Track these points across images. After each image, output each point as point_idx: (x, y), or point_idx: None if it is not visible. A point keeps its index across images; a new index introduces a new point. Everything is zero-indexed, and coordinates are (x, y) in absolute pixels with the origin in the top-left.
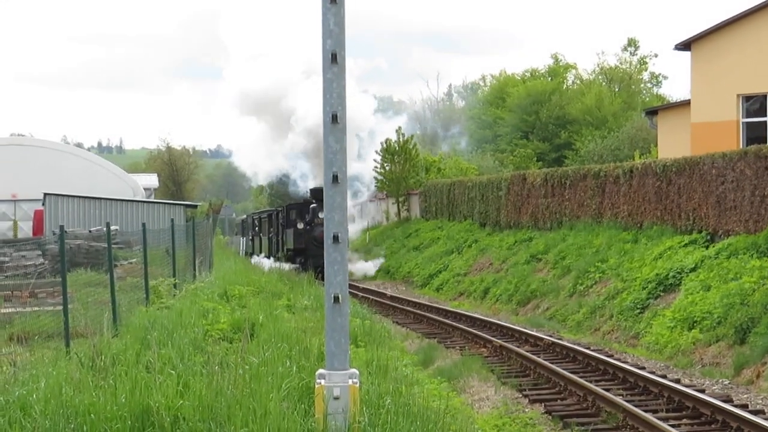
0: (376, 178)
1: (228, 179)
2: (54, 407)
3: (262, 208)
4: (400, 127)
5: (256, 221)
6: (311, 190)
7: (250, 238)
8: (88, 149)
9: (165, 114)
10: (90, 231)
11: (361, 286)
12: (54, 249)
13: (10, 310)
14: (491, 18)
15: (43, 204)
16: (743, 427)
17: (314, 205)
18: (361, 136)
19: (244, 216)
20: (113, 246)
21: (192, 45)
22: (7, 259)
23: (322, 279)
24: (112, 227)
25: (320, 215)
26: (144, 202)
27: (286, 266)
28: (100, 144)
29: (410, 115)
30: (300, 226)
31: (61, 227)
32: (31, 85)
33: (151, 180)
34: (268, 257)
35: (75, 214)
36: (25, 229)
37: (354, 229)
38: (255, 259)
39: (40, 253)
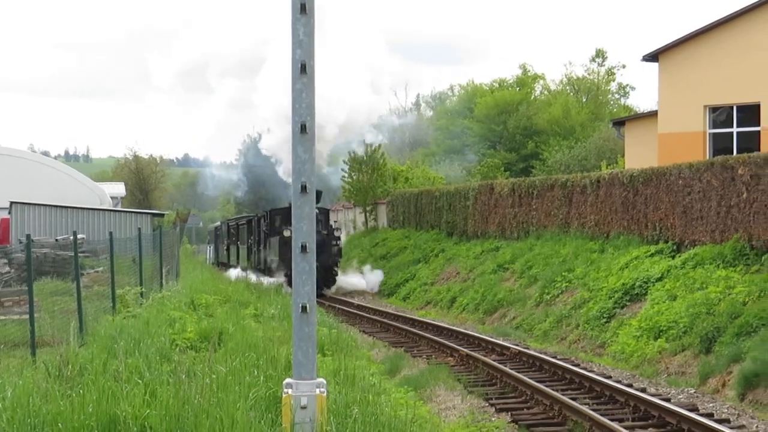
0: (343, 187)
1: (195, 188)
2: (21, 417)
3: (230, 217)
4: (364, 141)
5: (232, 229)
6: None
7: (225, 247)
8: (55, 158)
9: (132, 123)
10: (56, 240)
11: (327, 294)
12: (20, 257)
13: None
14: (460, 28)
15: (9, 212)
16: None
17: None
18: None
19: (218, 223)
20: (80, 255)
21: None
22: None
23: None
24: (79, 236)
25: None
26: (111, 210)
27: (270, 281)
28: (67, 152)
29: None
30: (287, 233)
31: (28, 236)
32: None
33: (118, 189)
34: (246, 270)
35: (41, 223)
36: None
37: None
38: (233, 272)
39: (6, 261)
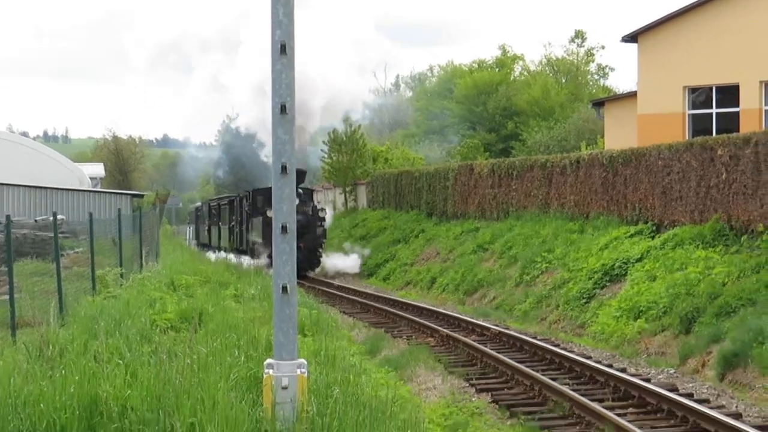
0: (323, 167)
1: (174, 169)
2: (2, 397)
3: (212, 197)
4: (348, 117)
5: (214, 209)
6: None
7: (207, 228)
8: (34, 138)
9: (111, 103)
10: (36, 220)
11: (310, 275)
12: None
13: None
14: (439, 8)
15: None
16: (688, 416)
17: None
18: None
19: (199, 203)
20: (59, 236)
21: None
22: None
23: (298, 278)
24: (59, 217)
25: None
26: (90, 191)
27: (252, 262)
28: (45, 133)
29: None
30: (270, 214)
31: (7, 216)
32: None
33: (98, 169)
34: (228, 251)
35: (20, 204)
36: None
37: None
38: (214, 255)
39: None
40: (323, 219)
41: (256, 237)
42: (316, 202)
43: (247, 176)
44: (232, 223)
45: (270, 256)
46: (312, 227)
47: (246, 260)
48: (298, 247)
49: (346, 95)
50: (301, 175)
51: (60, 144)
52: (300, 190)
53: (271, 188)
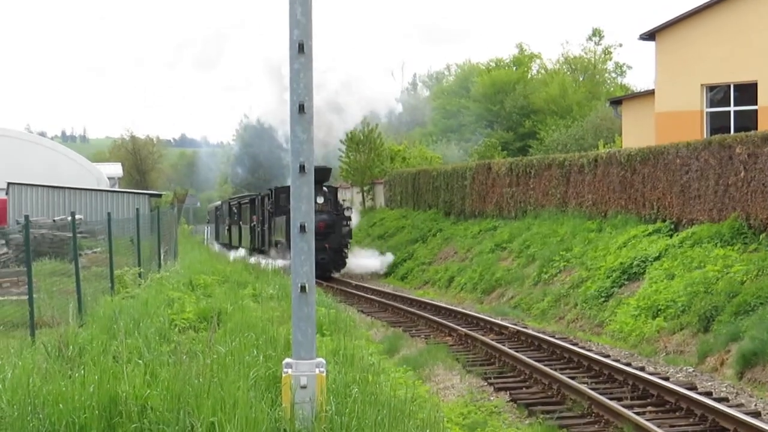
0: (341, 167)
1: (192, 168)
2: (21, 397)
3: (232, 196)
4: (365, 117)
5: (234, 208)
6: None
7: (227, 227)
8: (52, 138)
9: (129, 103)
10: (54, 220)
11: (335, 276)
12: (18, 238)
13: None
14: (456, 7)
15: (6, 193)
16: (707, 415)
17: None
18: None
19: (218, 202)
20: (78, 235)
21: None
22: None
23: (322, 277)
24: (77, 216)
25: (318, 200)
26: (108, 191)
27: (277, 263)
28: (63, 133)
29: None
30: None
31: (26, 216)
32: None
33: (116, 169)
34: (251, 252)
35: (39, 204)
36: None
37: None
38: (234, 253)
39: (3, 242)
40: (349, 218)
41: (279, 236)
42: (341, 201)
43: (265, 175)
44: (254, 223)
45: None
46: (337, 227)
47: (269, 261)
48: (323, 248)
49: (380, 95)
50: (326, 172)
51: (78, 144)
52: (325, 189)
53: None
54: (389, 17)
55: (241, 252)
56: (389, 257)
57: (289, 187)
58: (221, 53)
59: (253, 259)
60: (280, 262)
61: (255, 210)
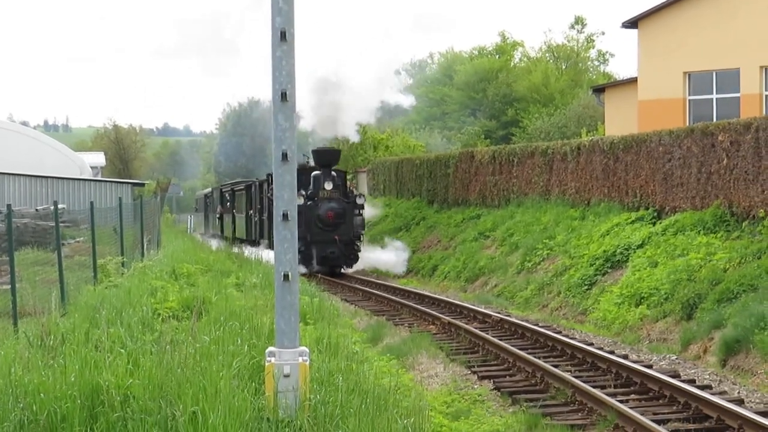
0: None
1: (175, 157)
2: (3, 386)
3: (224, 182)
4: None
5: (227, 195)
6: (314, 152)
7: (218, 216)
8: (34, 128)
9: (112, 92)
10: (37, 210)
11: (348, 272)
12: (0, 228)
13: None
14: None
15: None
16: (691, 402)
17: (318, 172)
18: None
19: (208, 189)
20: (60, 225)
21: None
22: None
23: (331, 273)
24: (60, 206)
25: (326, 186)
26: (91, 180)
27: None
28: (46, 122)
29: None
30: (300, 201)
31: (8, 206)
32: None
33: (98, 158)
34: (245, 242)
35: (21, 193)
36: None
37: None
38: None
39: None
40: (361, 206)
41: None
42: (353, 188)
43: (248, 163)
44: (251, 211)
45: (300, 250)
46: (348, 216)
47: (269, 253)
48: (333, 240)
49: (374, 85)
50: (335, 154)
51: (60, 133)
52: (334, 173)
53: (296, 171)
54: (381, 6)
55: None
56: (402, 253)
57: None
58: (211, 39)
59: (248, 251)
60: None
61: (251, 197)
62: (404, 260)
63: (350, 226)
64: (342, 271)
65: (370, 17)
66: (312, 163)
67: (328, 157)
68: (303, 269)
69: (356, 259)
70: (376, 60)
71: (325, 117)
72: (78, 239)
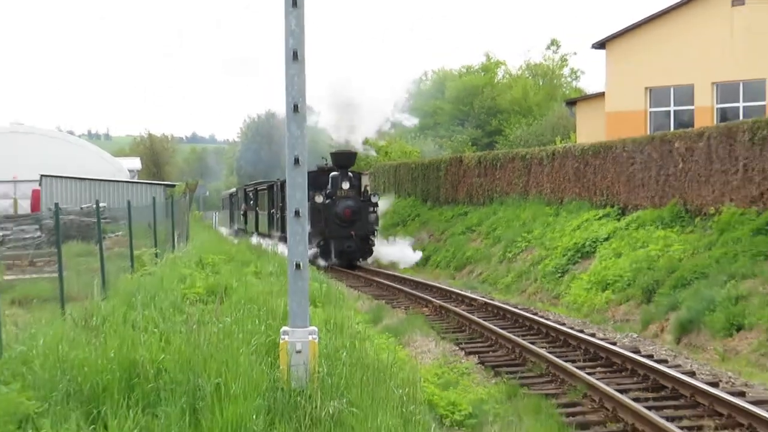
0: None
1: (202, 162)
2: (51, 362)
3: (247, 183)
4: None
5: (250, 194)
6: (333, 154)
7: (242, 213)
8: (79, 136)
9: (147, 104)
10: (81, 208)
11: (362, 265)
12: (50, 223)
13: (11, 277)
14: (431, 18)
15: (39, 184)
16: (649, 374)
17: (336, 173)
18: None
19: (233, 189)
20: (102, 221)
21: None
22: (8, 232)
23: (349, 266)
24: (101, 204)
25: (344, 186)
26: (128, 182)
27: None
28: (89, 131)
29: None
30: (319, 199)
31: (56, 204)
32: (27, 75)
33: (135, 163)
34: (267, 237)
35: (68, 193)
36: (24, 206)
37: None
38: (254, 240)
39: (37, 227)
40: (376, 204)
41: None
42: (369, 188)
43: (265, 168)
44: (272, 209)
45: (319, 244)
46: (363, 213)
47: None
48: (349, 235)
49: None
50: (351, 156)
51: (102, 141)
52: (350, 174)
53: (316, 172)
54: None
55: (255, 238)
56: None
57: (309, 173)
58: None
59: (266, 244)
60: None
61: (273, 196)
62: (416, 258)
63: (365, 223)
64: (357, 263)
65: (383, 43)
66: (330, 164)
67: (345, 159)
68: (323, 262)
69: (371, 252)
70: (388, 83)
71: (341, 123)
72: (117, 233)
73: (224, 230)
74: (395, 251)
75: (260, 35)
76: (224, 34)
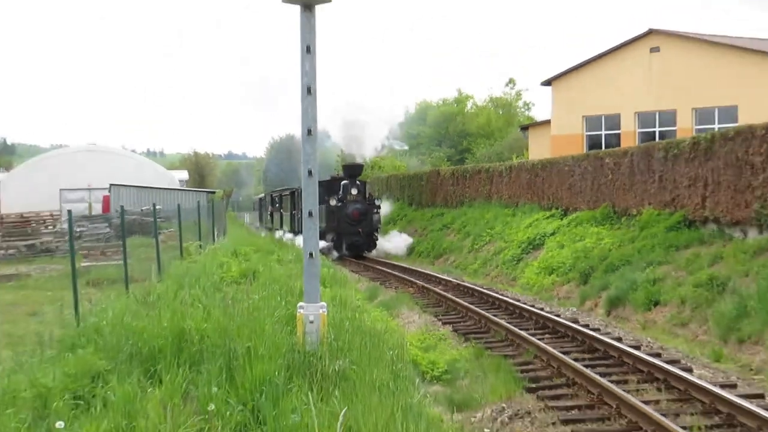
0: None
1: (236, 174)
2: (118, 330)
3: (274, 190)
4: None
5: (276, 198)
6: (344, 166)
7: (269, 213)
8: (140, 154)
9: (193, 127)
10: (141, 209)
11: (368, 255)
12: (117, 222)
13: (87, 264)
14: (415, 64)
15: (109, 191)
16: (585, 340)
17: (346, 181)
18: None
19: (262, 194)
20: (158, 220)
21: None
22: (84, 228)
23: (357, 257)
24: (157, 207)
25: (353, 192)
26: (179, 189)
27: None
28: (148, 150)
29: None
30: (333, 202)
31: (122, 207)
32: (100, 104)
33: (184, 175)
34: (292, 233)
35: (131, 198)
36: (97, 209)
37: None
38: (278, 234)
39: (107, 225)
40: (378, 207)
41: (319, 223)
42: (373, 194)
43: (286, 178)
44: (294, 210)
45: (333, 239)
46: (369, 214)
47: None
48: (357, 232)
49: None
50: (359, 168)
51: (158, 157)
52: (358, 182)
53: (329, 181)
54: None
55: (280, 233)
56: (407, 241)
57: (324, 182)
58: (263, 93)
59: (287, 238)
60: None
61: (295, 200)
62: (407, 247)
63: (370, 222)
64: (364, 254)
65: (383, 81)
66: (341, 174)
67: (353, 170)
68: (336, 253)
69: (374, 245)
70: (385, 113)
71: (350, 139)
72: (169, 230)
73: (254, 227)
74: (394, 243)
75: (282, 71)
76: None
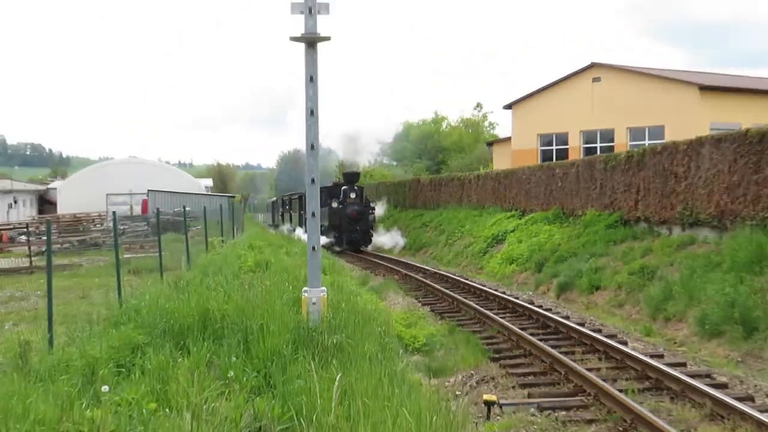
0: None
1: (252, 181)
2: (153, 310)
3: (284, 194)
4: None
5: (286, 201)
6: (344, 174)
7: (280, 214)
8: (173, 165)
9: (218, 142)
10: (174, 211)
11: (365, 250)
12: (153, 221)
13: (128, 255)
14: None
15: (147, 196)
16: (540, 318)
17: (346, 187)
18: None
19: (274, 198)
20: (187, 219)
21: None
22: (126, 226)
23: (355, 251)
24: (187, 209)
25: (351, 195)
26: (205, 194)
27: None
28: (179, 161)
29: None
30: (335, 204)
31: (158, 209)
32: (142, 118)
33: (209, 182)
34: (298, 230)
35: (165, 202)
36: (137, 210)
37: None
38: (289, 229)
39: (145, 223)
40: (373, 209)
41: (323, 222)
42: (369, 198)
43: (294, 185)
44: (302, 211)
45: (335, 237)
46: (365, 215)
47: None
48: (356, 229)
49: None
50: (356, 175)
51: (188, 167)
52: (356, 187)
53: (331, 186)
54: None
55: (294, 231)
56: (399, 239)
57: (327, 187)
58: (274, 112)
59: (294, 234)
60: (323, 240)
61: (302, 203)
62: (400, 243)
63: (366, 221)
64: (361, 249)
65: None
66: (342, 181)
67: (352, 177)
68: (337, 248)
69: (370, 242)
70: (377, 130)
71: (349, 151)
72: (197, 227)
73: (267, 226)
74: (387, 239)
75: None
76: (268, 89)
